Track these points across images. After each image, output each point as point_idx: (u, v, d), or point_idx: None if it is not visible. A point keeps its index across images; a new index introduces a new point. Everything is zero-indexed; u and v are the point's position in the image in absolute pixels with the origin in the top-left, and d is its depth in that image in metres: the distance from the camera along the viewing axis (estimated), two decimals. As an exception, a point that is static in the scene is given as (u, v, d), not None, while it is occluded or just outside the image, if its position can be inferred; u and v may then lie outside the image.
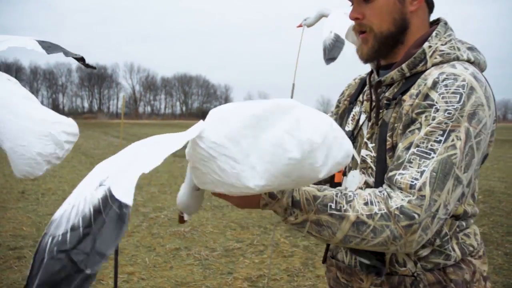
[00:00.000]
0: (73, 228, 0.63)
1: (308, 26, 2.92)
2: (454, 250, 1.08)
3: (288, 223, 1.02)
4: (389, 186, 1.00)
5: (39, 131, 1.53)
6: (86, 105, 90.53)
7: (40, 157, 1.53)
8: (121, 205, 0.63)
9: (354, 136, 1.22)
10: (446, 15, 1.20)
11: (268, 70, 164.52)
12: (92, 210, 0.64)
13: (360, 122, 1.22)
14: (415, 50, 1.11)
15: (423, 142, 0.99)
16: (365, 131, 1.20)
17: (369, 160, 1.15)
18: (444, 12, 1.22)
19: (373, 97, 1.17)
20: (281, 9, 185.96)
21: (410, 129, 1.03)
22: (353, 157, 1.19)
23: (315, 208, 0.98)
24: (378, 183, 1.09)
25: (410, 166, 0.98)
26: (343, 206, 0.96)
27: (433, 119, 0.99)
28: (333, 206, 0.97)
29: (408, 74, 1.12)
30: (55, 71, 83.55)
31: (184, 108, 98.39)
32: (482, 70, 1.14)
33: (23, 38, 1.63)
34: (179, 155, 11.40)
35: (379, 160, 1.11)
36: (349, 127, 1.26)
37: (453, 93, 1.00)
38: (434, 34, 1.12)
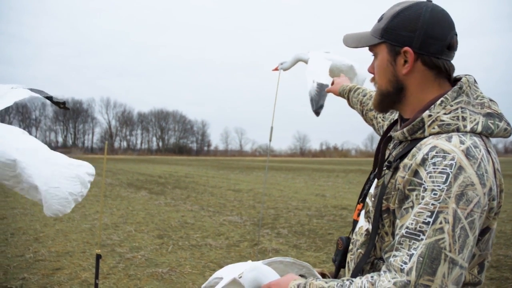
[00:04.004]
0: None
1: (284, 70, 2.98)
2: None
3: None
4: (387, 267, 1.05)
5: (68, 174, 1.80)
6: (60, 139, 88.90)
7: (70, 196, 1.81)
8: None
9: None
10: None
11: (245, 106, 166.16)
12: None
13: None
14: (418, 115, 1.13)
15: (411, 224, 1.01)
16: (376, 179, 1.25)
17: (370, 210, 1.21)
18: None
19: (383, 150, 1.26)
20: (258, 45, 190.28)
21: (404, 206, 1.06)
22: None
23: None
24: (373, 239, 1.18)
25: (401, 248, 1.02)
26: None
27: (422, 198, 1.01)
28: None
29: (409, 138, 1.15)
30: (29, 105, 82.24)
31: (160, 144, 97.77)
32: (503, 136, 1.11)
33: (21, 90, 1.83)
34: (155, 192, 11.17)
35: (374, 217, 1.17)
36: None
37: (440, 172, 1.00)
38: (439, 101, 1.11)
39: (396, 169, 1.12)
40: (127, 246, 6.06)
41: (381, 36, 1.17)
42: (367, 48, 1.24)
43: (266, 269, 1.34)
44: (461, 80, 1.14)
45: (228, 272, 1.44)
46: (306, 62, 2.79)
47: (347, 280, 1.10)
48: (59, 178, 1.76)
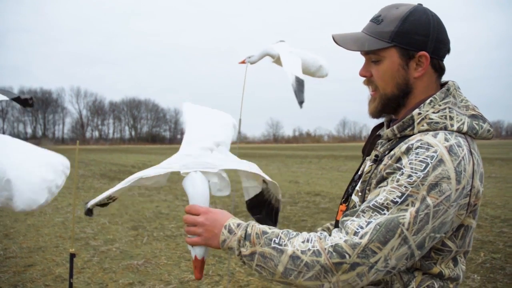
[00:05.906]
0: None
1: (251, 63, 3.00)
2: None
3: (241, 256, 1.15)
4: (340, 229, 1.08)
5: (40, 161, 1.73)
6: (29, 130, 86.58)
7: (43, 183, 1.69)
8: None
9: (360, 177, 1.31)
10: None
11: (218, 92, 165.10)
12: None
13: (366, 168, 1.30)
14: (408, 113, 1.17)
15: (381, 199, 1.05)
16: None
17: (357, 205, 1.24)
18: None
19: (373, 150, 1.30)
20: (233, 30, 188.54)
21: (379, 186, 1.10)
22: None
23: (262, 242, 1.11)
24: None
25: (362, 215, 1.06)
26: (284, 242, 1.09)
27: (397, 181, 1.05)
28: (277, 241, 1.10)
29: (398, 135, 1.18)
30: (-5, 95, 79.44)
31: (133, 133, 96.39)
32: (486, 138, 1.16)
33: None
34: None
35: None
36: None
37: (420, 161, 1.05)
38: (428, 101, 1.15)
39: (381, 161, 1.17)
40: (101, 239, 6.02)
41: (391, 40, 1.15)
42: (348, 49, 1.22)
43: (204, 189, 1.33)
44: (448, 83, 1.20)
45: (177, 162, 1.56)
46: (273, 57, 2.84)
47: (295, 231, 1.12)
48: (30, 163, 1.67)
